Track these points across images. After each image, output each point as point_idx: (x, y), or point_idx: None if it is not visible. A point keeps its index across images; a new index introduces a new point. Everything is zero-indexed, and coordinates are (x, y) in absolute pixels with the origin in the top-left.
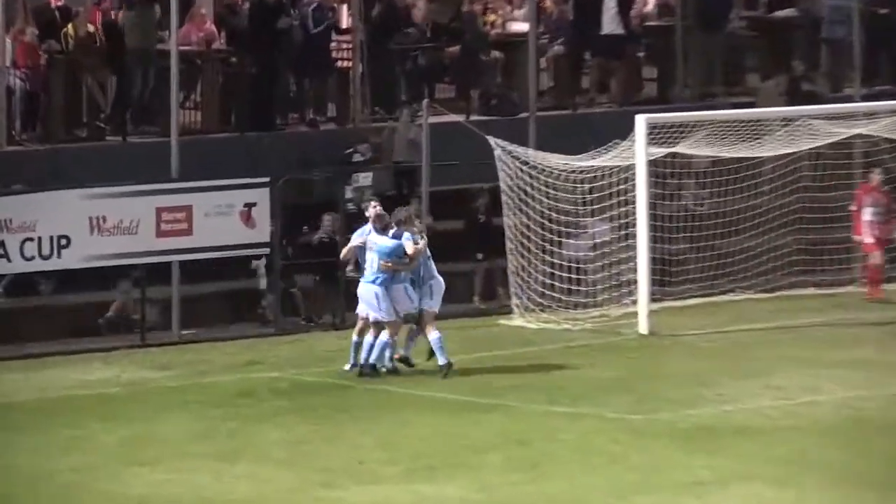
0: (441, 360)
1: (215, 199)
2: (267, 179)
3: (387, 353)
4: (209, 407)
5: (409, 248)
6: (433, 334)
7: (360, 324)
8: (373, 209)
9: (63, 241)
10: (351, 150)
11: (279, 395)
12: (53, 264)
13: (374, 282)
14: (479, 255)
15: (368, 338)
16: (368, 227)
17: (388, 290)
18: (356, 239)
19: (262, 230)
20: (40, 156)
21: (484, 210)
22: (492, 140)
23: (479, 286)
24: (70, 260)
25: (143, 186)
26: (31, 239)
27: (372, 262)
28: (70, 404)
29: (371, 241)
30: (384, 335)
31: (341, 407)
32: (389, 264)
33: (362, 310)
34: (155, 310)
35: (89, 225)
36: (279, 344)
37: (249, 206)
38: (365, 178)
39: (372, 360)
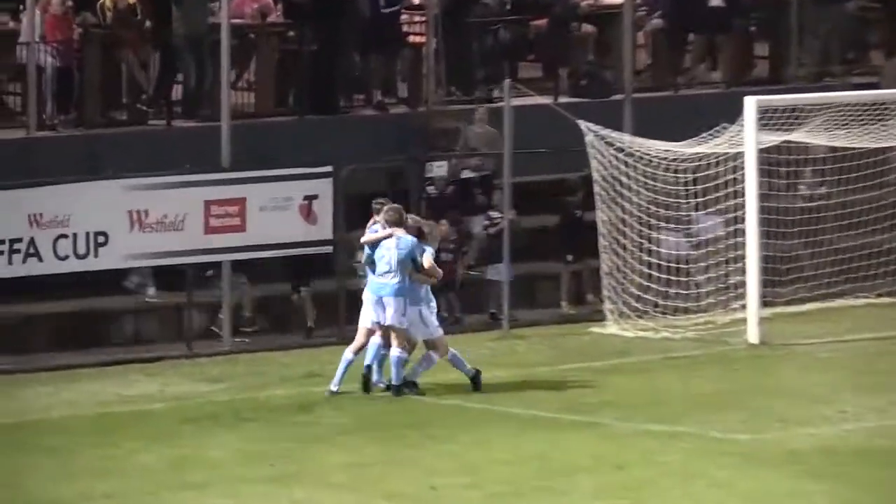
0: (394, 380)
1: (271, 191)
2: (329, 169)
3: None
4: (263, 425)
5: (427, 262)
6: (395, 351)
7: (361, 339)
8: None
9: (100, 239)
10: (430, 163)
11: (341, 411)
12: (89, 264)
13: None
14: (569, 257)
15: (375, 339)
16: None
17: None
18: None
19: (324, 226)
20: (74, 142)
21: (579, 204)
22: (582, 125)
23: (567, 289)
24: (108, 259)
25: (189, 177)
26: (64, 236)
27: (390, 261)
28: (105, 422)
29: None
30: (395, 350)
31: (411, 424)
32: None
33: (370, 318)
34: (203, 315)
35: (129, 220)
36: (341, 354)
37: (310, 198)
38: (440, 168)
39: (395, 380)
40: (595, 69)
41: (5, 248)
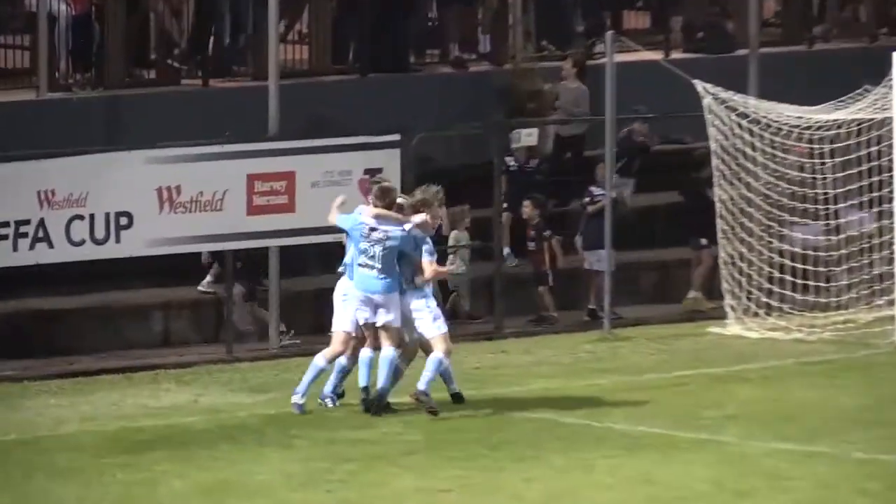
0: (381, 381)
1: (326, 163)
2: (397, 137)
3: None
4: (318, 444)
5: (428, 270)
6: (387, 351)
7: (338, 346)
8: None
9: (123, 221)
10: (517, 130)
11: (409, 426)
12: (110, 251)
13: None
14: (703, 241)
15: (366, 352)
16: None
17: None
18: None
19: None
20: (93, 105)
21: (705, 180)
22: (699, 85)
23: (699, 281)
24: (132, 245)
25: (229, 147)
26: (79, 217)
27: (375, 255)
28: (130, 439)
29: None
30: (388, 349)
31: (493, 443)
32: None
33: (348, 320)
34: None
35: (158, 199)
36: (417, 358)
37: (372, 172)
38: (528, 136)
39: (382, 383)
40: (714, 20)
41: (10, 231)
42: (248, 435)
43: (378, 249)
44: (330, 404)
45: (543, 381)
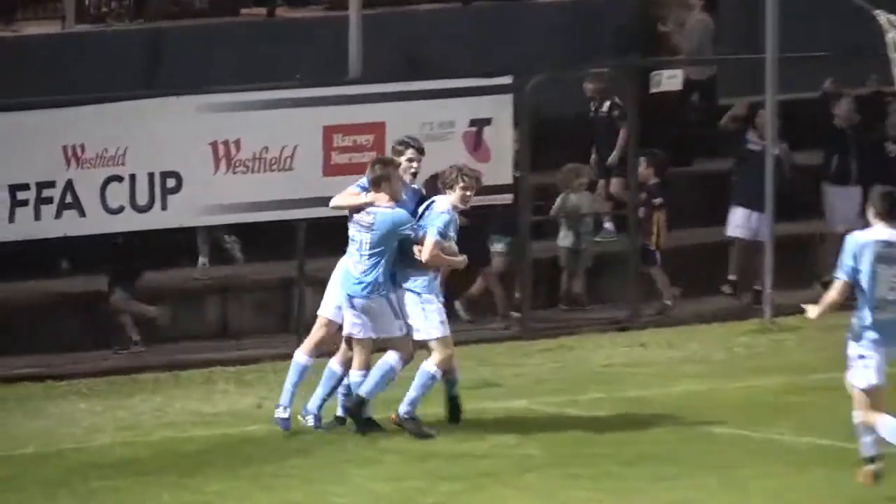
0: (365, 390)
1: (422, 111)
2: (508, 80)
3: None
4: (411, 459)
5: (427, 250)
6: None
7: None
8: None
9: (170, 183)
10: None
11: (527, 438)
12: (154, 220)
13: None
14: None
15: (337, 368)
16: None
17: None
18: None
19: (501, 164)
20: (132, 40)
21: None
22: (882, 17)
23: None
24: (181, 213)
25: (301, 92)
26: (117, 178)
27: (360, 245)
28: (178, 451)
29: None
30: (392, 357)
31: (628, 459)
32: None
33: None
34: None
35: (213, 155)
36: (530, 352)
37: (479, 123)
38: (671, 79)
39: (366, 392)
40: None
41: (31, 195)
42: (324, 448)
43: (362, 239)
44: (311, 422)
45: (690, 381)
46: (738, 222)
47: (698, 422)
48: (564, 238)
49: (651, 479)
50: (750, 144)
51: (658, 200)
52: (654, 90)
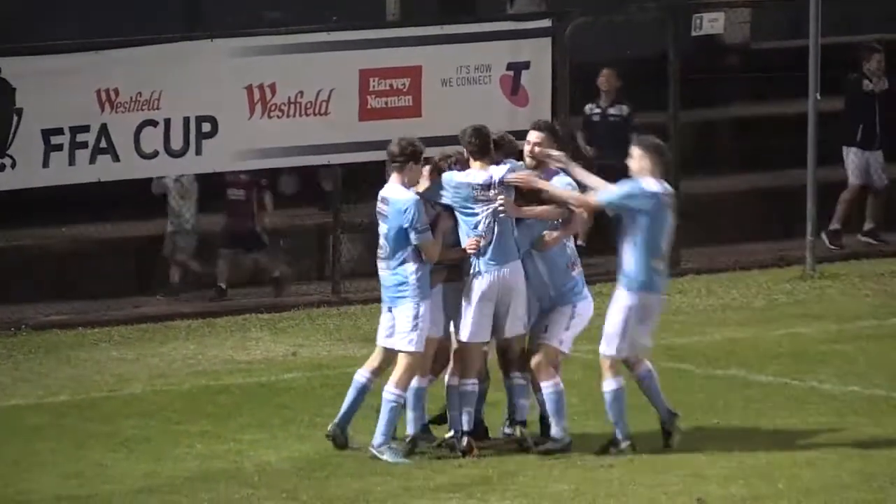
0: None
1: (459, 55)
2: (547, 23)
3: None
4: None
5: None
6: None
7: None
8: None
9: (205, 127)
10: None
11: (566, 384)
12: (188, 165)
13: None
14: None
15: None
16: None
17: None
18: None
19: (540, 110)
20: None
21: None
22: None
23: None
24: (216, 158)
25: (336, 35)
26: (151, 122)
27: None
28: (212, 401)
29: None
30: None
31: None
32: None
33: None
34: (358, 244)
35: (249, 99)
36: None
37: (517, 67)
38: (713, 22)
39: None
40: None
41: (65, 140)
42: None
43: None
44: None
45: (731, 329)
46: (856, 164)
47: (738, 370)
48: None
49: (689, 428)
50: (864, 85)
51: None
52: (695, 33)
